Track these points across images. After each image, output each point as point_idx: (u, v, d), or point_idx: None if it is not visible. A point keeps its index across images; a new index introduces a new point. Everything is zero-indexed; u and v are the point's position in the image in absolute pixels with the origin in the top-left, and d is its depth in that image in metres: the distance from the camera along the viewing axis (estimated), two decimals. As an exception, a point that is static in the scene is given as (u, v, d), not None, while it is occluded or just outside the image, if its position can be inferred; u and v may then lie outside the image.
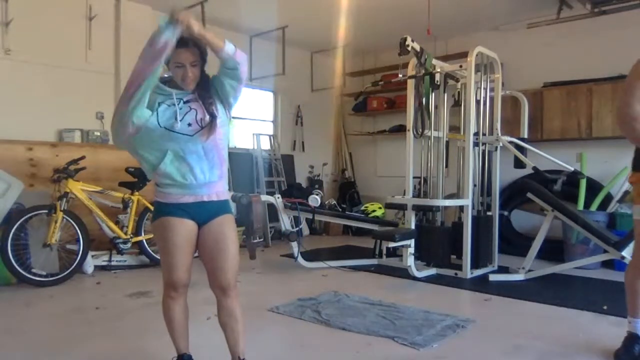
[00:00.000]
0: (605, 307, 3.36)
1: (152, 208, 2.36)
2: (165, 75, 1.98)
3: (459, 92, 4.96)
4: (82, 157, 4.35)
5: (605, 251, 4.05)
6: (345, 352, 2.60)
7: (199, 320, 2.89)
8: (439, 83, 4.53)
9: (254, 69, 6.16)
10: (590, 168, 5.29)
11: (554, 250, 4.98)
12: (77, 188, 4.28)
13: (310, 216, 5.00)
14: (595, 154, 5.36)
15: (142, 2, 5.38)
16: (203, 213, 2.00)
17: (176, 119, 1.90)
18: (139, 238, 4.60)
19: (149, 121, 1.87)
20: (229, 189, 3.11)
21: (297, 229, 4.79)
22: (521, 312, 3.37)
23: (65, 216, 4.10)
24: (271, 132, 7.15)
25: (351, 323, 3.01)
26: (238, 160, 6.42)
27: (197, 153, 1.94)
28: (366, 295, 3.70)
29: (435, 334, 2.83)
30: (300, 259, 4.67)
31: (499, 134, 4.67)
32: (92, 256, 4.46)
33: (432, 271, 4.50)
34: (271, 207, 5.08)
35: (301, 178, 7.40)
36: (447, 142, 4.82)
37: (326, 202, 5.98)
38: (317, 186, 7.24)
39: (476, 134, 4.59)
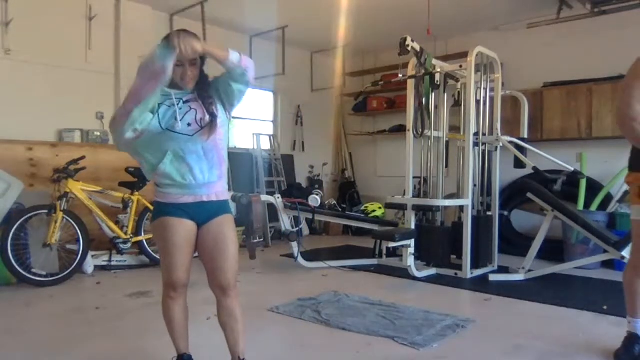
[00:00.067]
0: (605, 307, 3.36)
1: (152, 208, 2.37)
2: None
3: (459, 92, 4.95)
4: (82, 157, 4.35)
5: (605, 251, 4.05)
6: (345, 352, 2.60)
7: (199, 320, 2.89)
8: (439, 83, 4.53)
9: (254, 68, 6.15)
10: (590, 168, 5.29)
11: (554, 250, 4.98)
12: (77, 188, 4.28)
13: (310, 216, 4.99)
14: (595, 154, 5.36)
15: (142, 2, 5.38)
16: (203, 213, 2.00)
17: (176, 119, 1.90)
18: (139, 238, 4.59)
19: (151, 124, 1.88)
20: (229, 189, 3.11)
21: (297, 229, 4.79)
22: (521, 312, 3.37)
23: (65, 216, 4.10)
24: (271, 132, 7.15)
25: (351, 323, 3.01)
26: (238, 160, 6.41)
27: (197, 153, 1.94)
28: (366, 295, 3.70)
29: (435, 334, 2.83)
30: (300, 259, 4.67)
31: (499, 134, 4.67)
32: (92, 256, 4.46)
33: (432, 271, 4.50)
34: (271, 207, 5.08)
35: (301, 178, 7.40)
36: (447, 142, 4.81)
37: (326, 202, 5.98)
38: (317, 186, 7.24)
39: (476, 134, 4.59)
